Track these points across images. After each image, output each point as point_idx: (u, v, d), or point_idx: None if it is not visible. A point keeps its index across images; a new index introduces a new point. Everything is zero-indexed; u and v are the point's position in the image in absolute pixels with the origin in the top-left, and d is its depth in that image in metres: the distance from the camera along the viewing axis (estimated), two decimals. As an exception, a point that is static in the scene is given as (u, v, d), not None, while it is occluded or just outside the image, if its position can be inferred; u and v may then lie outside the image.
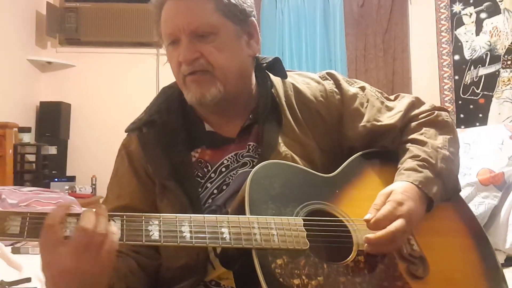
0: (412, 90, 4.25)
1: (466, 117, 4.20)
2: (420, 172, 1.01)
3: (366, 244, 0.92)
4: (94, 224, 0.78)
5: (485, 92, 4.15)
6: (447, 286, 0.98)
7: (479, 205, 2.92)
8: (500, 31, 4.08)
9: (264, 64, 1.15)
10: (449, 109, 4.11)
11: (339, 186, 1.02)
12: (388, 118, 1.13)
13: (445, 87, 4.28)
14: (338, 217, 0.96)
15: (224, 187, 1.05)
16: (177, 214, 0.86)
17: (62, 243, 0.77)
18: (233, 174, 1.05)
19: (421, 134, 1.10)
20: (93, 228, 0.77)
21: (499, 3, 4.10)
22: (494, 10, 4.13)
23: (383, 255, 0.94)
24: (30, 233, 0.78)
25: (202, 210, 1.02)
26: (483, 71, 4.17)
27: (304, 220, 0.91)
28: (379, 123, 1.12)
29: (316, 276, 0.86)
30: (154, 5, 1.07)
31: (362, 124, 1.12)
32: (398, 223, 0.91)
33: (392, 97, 1.21)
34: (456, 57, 4.27)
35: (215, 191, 1.05)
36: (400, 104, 1.16)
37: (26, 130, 3.84)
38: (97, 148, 4.10)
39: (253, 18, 1.09)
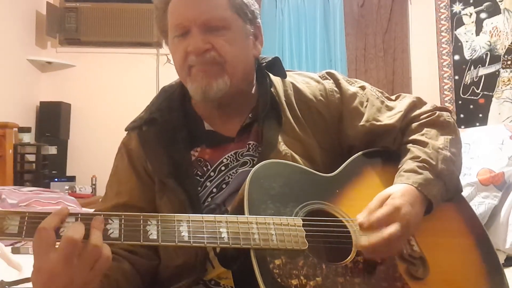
0: (412, 90, 4.25)
1: (466, 117, 4.20)
2: (420, 173, 1.01)
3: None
4: (81, 235, 0.77)
5: (485, 92, 4.15)
6: (447, 287, 0.98)
7: (479, 205, 2.92)
8: (500, 31, 4.08)
9: (264, 64, 1.15)
10: (450, 109, 4.10)
11: (339, 186, 1.02)
12: (387, 118, 1.12)
13: (445, 87, 4.28)
14: (338, 217, 0.96)
15: (224, 186, 1.05)
16: (175, 214, 0.86)
17: (54, 249, 0.76)
18: (233, 173, 1.05)
19: (422, 134, 1.09)
20: (80, 238, 0.76)
21: (499, 3, 4.10)
22: (494, 10, 4.13)
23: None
24: (28, 233, 0.77)
25: (202, 209, 1.02)
26: (483, 71, 4.17)
27: (303, 220, 0.91)
28: (378, 123, 1.12)
29: (315, 277, 0.85)
30: None
31: (361, 123, 1.12)
32: (393, 228, 0.90)
33: (393, 97, 1.20)
34: (456, 57, 4.27)
35: (215, 190, 1.05)
36: (401, 104, 1.16)
37: (26, 130, 3.84)
38: (97, 148, 4.10)
39: (259, 21, 1.11)
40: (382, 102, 1.16)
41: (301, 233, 0.88)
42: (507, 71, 4.02)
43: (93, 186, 4.06)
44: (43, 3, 4.18)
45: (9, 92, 3.84)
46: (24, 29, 4.11)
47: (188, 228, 0.84)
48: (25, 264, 1.82)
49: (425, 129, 1.10)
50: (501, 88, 4.04)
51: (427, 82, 4.31)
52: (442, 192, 1.02)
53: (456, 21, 4.28)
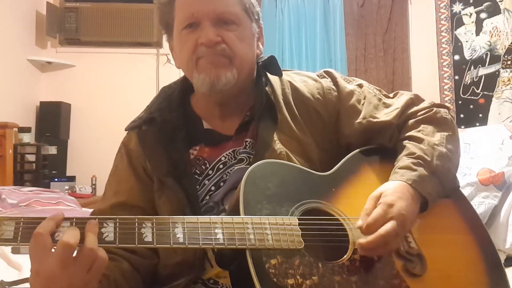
0: (412, 90, 4.21)
1: (466, 117, 4.20)
2: (415, 170, 1.00)
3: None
4: (76, 240, 0.78)
5: (485, 92, 4.15)
6: (445, 284, 0.97)
7: (479, 205, 2.92)
8: (500, 31, 4.08)
9: (260, 63, 1.15)
10: (448, 106, 4.10)
11: (336, 184, 1.02)
12: (384, 115, 1.12)
13: (445, 87, 4.28)
14: (334, 216, 0.96)
15: (222, 183, 1.05)
16: (170, 216, 0.86)
17: (51, 254, 0.77)
18: (230, 170, 1.05)
19: (419, 131, 1.09)
20: (75, 243, 0.77)
21: (499, 3, 4.10)
22: (494, 10, 4.13)
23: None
24: (24, 238, 0.78)
25: (200, 207, 1.02)
26: (483, 71, 4.17)
27: (299, 219, 0.91)
28: (375, 120, 1.11)
29: (311, 276, 0.85)
30: None
31: (358, 120, 1.12)
32: (389, 226, 0.90)
33: (391, 94, 1.20)
34: (456, 57, 4.26)
35: (213, 188, 1.05)
36: (398, 101, 1.16)
37: (26, 130, 3.85)
38: (97, 148, 4.10)
39: (262, 22, 1.13)
40: (380, 100, 1.16)
41: (297, 233, 0.88)
42: (507, 71, 4.02)
43: (93, 186, 4.06)
44: (43, 3, 4.19)
45: (9, 92, 3.85)
46: (24, 29, 4.11)
47: (183, 230, 0.83)
48: (25, 264, 1.82)
49: (422, 125, 1.10)
50: (501, 88, 4.04)
51: (427, 82, 4.31)
52: (437, 189, 1.02)
53: (456, 21, 4.28)
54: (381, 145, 1.13)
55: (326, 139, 1.12)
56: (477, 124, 4.08)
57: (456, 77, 4.26)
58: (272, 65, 1.14)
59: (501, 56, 4.04)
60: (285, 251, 0.86)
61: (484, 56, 4.17)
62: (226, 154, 1.07)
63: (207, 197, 1.04)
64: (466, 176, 3.01)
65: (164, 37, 1.16)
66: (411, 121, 1.12)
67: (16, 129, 3.70)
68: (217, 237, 0.84)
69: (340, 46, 4.41)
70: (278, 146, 1.04)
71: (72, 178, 4.07)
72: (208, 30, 1.02)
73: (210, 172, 1.06)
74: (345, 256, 0.91)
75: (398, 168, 1.02)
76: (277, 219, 0.89)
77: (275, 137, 1.05)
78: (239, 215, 0.88)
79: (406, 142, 1.08)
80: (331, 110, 1.13)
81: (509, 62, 4.00)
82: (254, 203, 0.90)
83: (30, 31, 4.19)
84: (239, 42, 1.04)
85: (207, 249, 0.97)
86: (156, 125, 1.08)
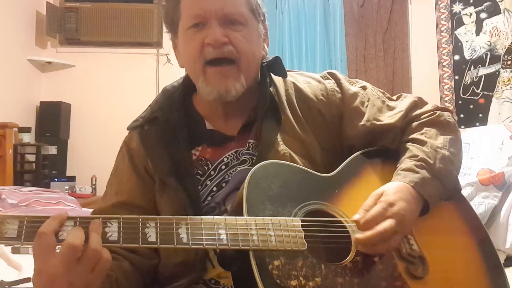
0: (412, 90, 4.25)
1: (466, 117, 4.20)
2: (417, 172, 1.01)
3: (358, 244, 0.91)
4: (81, 240, 0.77)
5: (485, 92, 4.15)
6: (447, 286, 0.98)
7: (479, 205, 2.92)
8: (500, 31, 4.08)
9: (265, 63, 1.15)
10: (451, 110, 4.11)
11: (338, 186, 1.02)
12: (388, 118, 1.12)
13: (445, 87, 4.28)
14: (336, 217, 0.96)
15: (224, 184, 1.05)
16: (174, 216, 0.85)
17: (55, 253, 0.77)
18: (233, 171, 1.05)
19: (422, 134, 1.09)
20: (80, 244, 0.77)
21: (499, 3, 4.10)
22: (494, 10, 4.13)
23: (382, 255, 0.94)
24: (28, 237, 0.78)
25: (202, 208, 1.02)
26: (483, 71, 4.17)
27: (302, 220, 0.91)
28: (379, 122, 1.12)
29: (314, 277, 0.85)
30: None
31: (362, 123, 1.12)
32: (387, 223, 0.90)
33: (394, 97, 1.20)
34: (456, 57, 4.27)
35: (215, 189, 1.05)
36: (402, 104, 1.16)
37: (26, 130, 3.85)
38: (97, 148, 4.09)
39: (267, 23, 1.14)
40: (383, 102, 1.16)
41: (300, 234, 0.88)
42: (507, 71, 4.02)
43: (93, 186, 4.06)
44: (43, 3, 4.18)
45: (9, 92, 3.85)
46: (24, 29, 4.11)
47: (186, 230, 0.83)
48: (25, 264, 1.82)
49: (425, 128, 1.10)
50: (501, 88, 4.04)
51: (427, 82, 4.31)
52: (439, 191, 1.02)
53: (456, 21, 4.28)
54: (384, 147, 1.13)
55: (329, 140, 1.12)
56: (477, 124, 4.08)
57: (456, 77, 4.26)
58: (276, 66, 1.14)
59: (501, 56, 4.04)
60: (288, 252, 0.86)
61: (484, 56, 4.17)
62: (229, 155, 1.07)
63: (209, 198, 1.04)
64: (466, 176, 3.01)
65: (165, 36, 1.15)
66: (414, 124, 1.12)
67: (16, 129, 3.70)
68: (221, 237, 0.84)
69: (340, 46, 4.41)
70: (282, 147, 1.04)
71: (72, 178, 4.06)
72: (216, 30, 1.01)
73: (212, 172, 1.06)
74: (347, 257, 0.91)
75: (401, 170, 1.03)
76: (280, 220, 0.89)
77: (279, 138, 1.05)
78: (241, 215, 0.88)
79: (409, 145, 1.08)
80: (335, 111, 1.13)
81: (509, 62, 4.00)
82: (257, 203, 0.90)
83: (30, 31, 4.19)
84: (246, 42, 1.04)
85: (209, 249, 0.97)
86: (158, 124, 1.08)
